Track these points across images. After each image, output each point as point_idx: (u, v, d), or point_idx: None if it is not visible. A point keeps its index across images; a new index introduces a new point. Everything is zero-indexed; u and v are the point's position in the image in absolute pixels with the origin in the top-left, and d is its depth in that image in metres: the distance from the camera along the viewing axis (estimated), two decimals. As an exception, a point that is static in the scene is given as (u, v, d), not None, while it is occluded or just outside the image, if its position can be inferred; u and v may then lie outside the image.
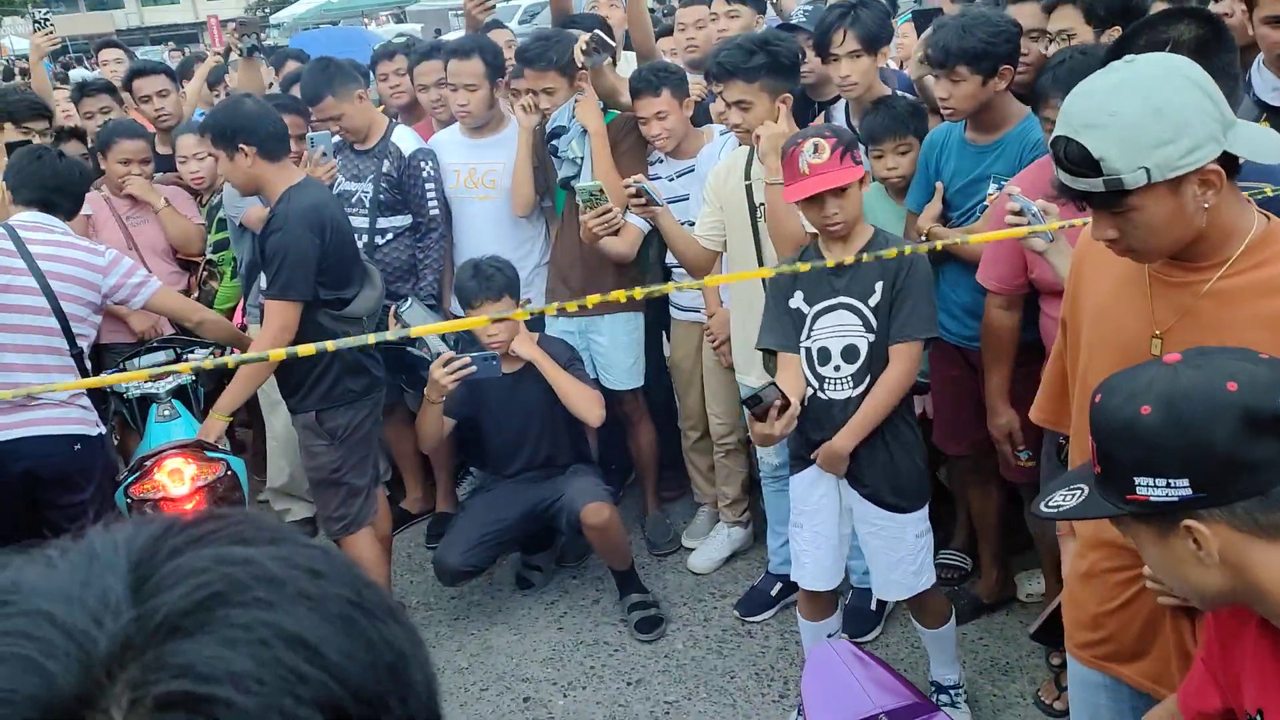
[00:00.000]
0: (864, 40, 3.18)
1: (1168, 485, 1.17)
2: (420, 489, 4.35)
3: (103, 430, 3.03)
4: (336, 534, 3.22)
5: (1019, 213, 2.39)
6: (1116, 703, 1.82)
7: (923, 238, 3.00)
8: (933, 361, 3.31)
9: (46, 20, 5.54)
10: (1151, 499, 1.18)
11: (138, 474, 2.67)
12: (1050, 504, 1.33)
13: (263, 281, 3.25)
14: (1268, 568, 1.15)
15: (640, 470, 4.18)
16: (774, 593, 3.59)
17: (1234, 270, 1.53)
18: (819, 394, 2.71)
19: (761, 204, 3.19)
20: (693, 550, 3.95)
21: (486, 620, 3.70)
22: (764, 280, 3.21)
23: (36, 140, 3.62)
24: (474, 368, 3.33)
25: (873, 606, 3.36)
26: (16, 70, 11.92)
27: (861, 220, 2.69)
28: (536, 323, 3.92)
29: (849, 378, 2.69)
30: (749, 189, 3.24)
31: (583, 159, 3.64)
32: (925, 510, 2.78)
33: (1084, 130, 1.47)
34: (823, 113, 3.69)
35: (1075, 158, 1.47)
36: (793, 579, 2.95)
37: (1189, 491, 1.16)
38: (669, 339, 4.06)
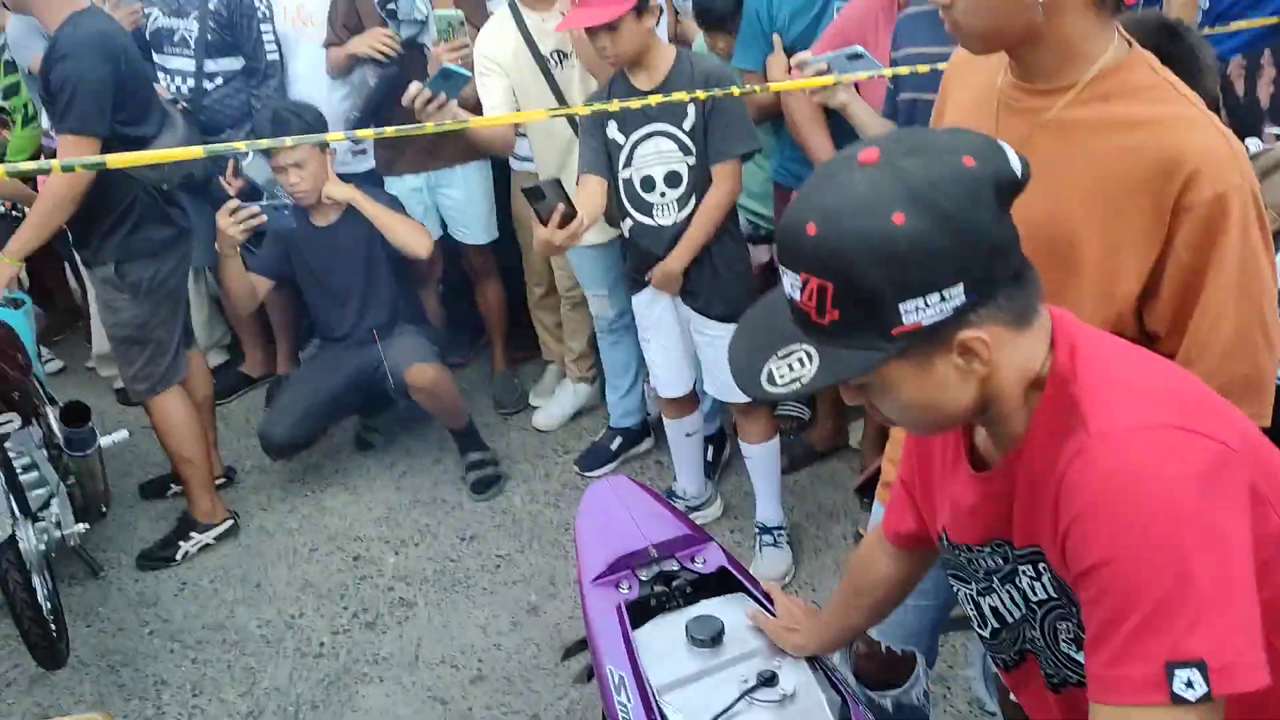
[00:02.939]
0: None
1: (941, 299, 0.95)
2: (261, 351, 4.17)
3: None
4: (142, 395, 3.05)
5: (824, 72, 2.33)
6: None
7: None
8: (779, 210, 3.26)
9: None
10: (924, 323, 0.95)
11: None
12: (780, 381, 1.01)
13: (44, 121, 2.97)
14: (1010, 364, 1.03)
15: (489, 328, 4.07)
16: (614, 447, 3.58)
17: (1078, 99, 1.35)
18: (649, 219, 2.76)
19: (555, 51, 3.08)
20: (539, 408, 3.90)
21: (322, 482, 3.61)
22: (574, 124, 3.08)
23: None
24: (264, 217, 3.12)
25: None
26: None
27: (657, 47, 2.65)
28: (376, 182, 3.71)
29: (674, 202, 2.74)
30: (530, 41, 3.06)
31: (426, 17, 3.38)
32: None
33: None
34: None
35: None
36: (652, 385, 3.16)
37: (963, 298, 0.96)
38: (511, 194, 3.89)
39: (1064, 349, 1.05)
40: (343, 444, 3.79)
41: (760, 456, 2.96)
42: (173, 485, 3.41)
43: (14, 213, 3.09)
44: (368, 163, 3.77)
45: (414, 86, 2.71)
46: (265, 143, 2.77)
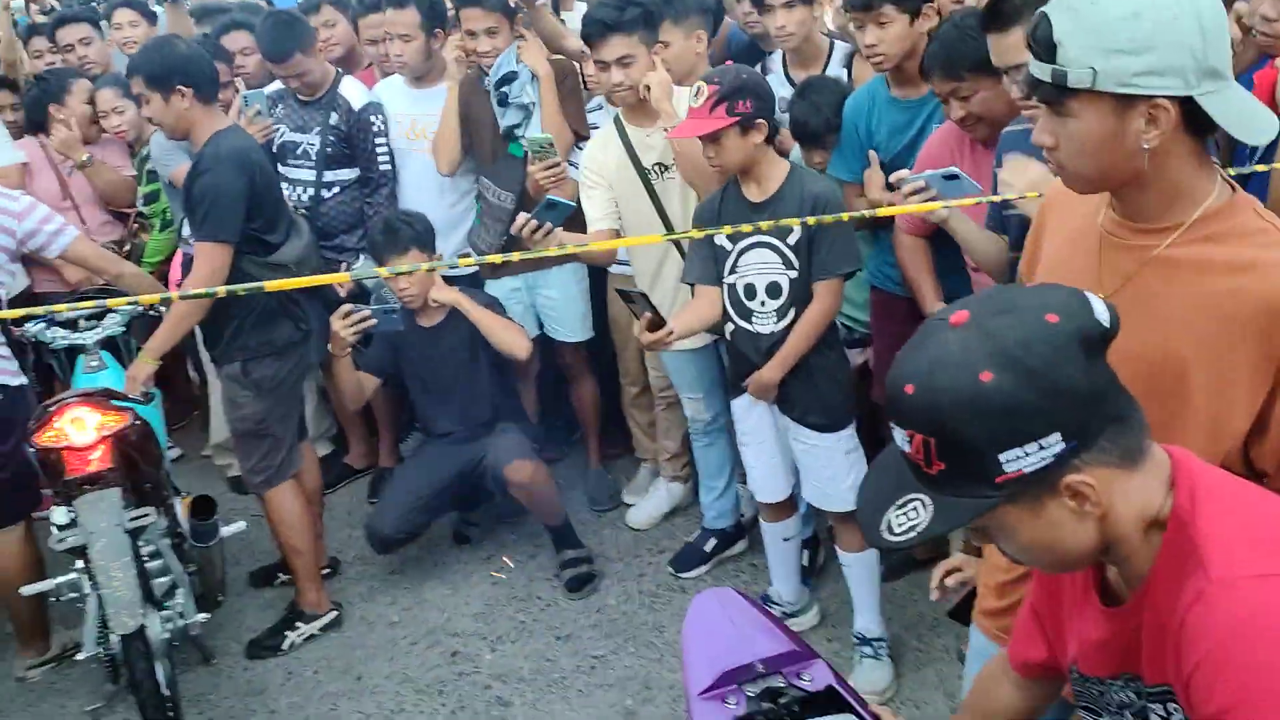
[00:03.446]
0: None
1: (1039, 448, 1.02)
2: (364, 444, 4.32)
3: (24, 381, 2.99)
4: (259, 487, 3.20)
5: (919, 190, 2.40)
6: None
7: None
8: (875, 312, 3.32)
9: None
10: (1025, 471, 1.02)
11: (40, 421, 2.63)
12: (898, 531, 1.09)
13: (186, 230, 3.19)
14: (1127, 501, 1.08)
15: (583, 425, 4.15)
16: (708, 549, 3.59)
17: (1184, 239, 1.37)
18: (749, 326, 2.84)
19: (656, 164, 3.19)
20: (632, 506, 3.94)
21: (421, 575, 3.69)
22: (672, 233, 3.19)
23: None
24: (374, 320, 3.28)
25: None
26: None
27: (768, 161, 2.76)
28: (476, 283, 3.87)
29: (774, 312, 2.81)
30: (632, 153, 3.20)
31: (534, 104, 3.57)
32: (852, 429, 2.92)
33: (1059, 9, 1.32)
34: (759, 63, 3.62)
35: (1040, 37, 1.33)
36: (749, 489, 3.21)
37: (1062, 445, 1.02)
38: (607, 295, 4.01)
39: (1184, 490, 1.09)
40: (440, 538, 3.88)
41: (859, 565, 2.95)
42: (280, 574, 3.53)
43: (150, 312, 3.30)
44: (472, 268, 3.94)
45: (521, 217, 2.85)
46: (401, 269, 2.94)
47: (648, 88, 3.00)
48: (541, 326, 3.91)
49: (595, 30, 3.02)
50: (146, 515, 2.55)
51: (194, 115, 2.95)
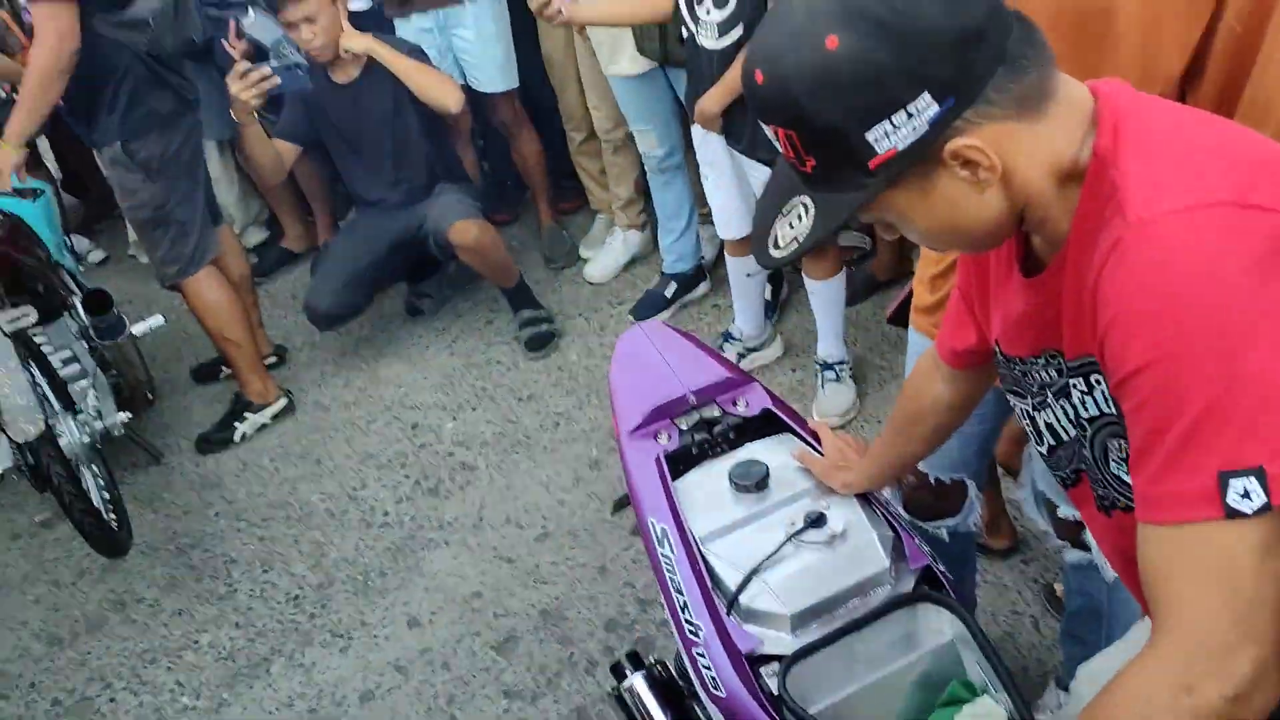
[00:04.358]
0: None
1: (908, 116, 0.82)
2: (299, 225, 4.06)
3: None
4: (173, 278, 2.96)
5: None
6: None
7: None
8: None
9: None
10: (900, 148, 0.84)
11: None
12: (782, 243, 0.94)
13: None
14: (1031, 156, 0.86)
15: (529, 182, 3.87)
16: (668, 293, 3.41)
17: None
18: (695, 38, 2.54)
19: None
20: (589, 260, 3.73)
21: (375, 354, 3.53)
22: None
23: None
24: (277, 79, 2.93)
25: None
26: None
27: None
28: (384, 26, 3.48)
29: (715, 25, 2.49)
30: None
31: None
32: None
33: None
34: None
35: None
36: (716, 227, 2.98)
37: (936, 108, 0.82)
38: (540, 31, 3.62)
39: (1107, 128, 0.86)
40: (393, 313, 3.70)
41: (825, 292, 2.76)
42: (224, 369, 3.37)
43: (13, 95, 2.95)
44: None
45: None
46: None
47: None
48: (464, 76, 3.56)
49: None
50: (25, 315, 2.33)
51: None
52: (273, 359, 3.44)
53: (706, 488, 1.52)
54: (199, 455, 3.15)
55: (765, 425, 1.60)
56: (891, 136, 0.83)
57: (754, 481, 1.45)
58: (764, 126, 0.91)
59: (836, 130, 0.85)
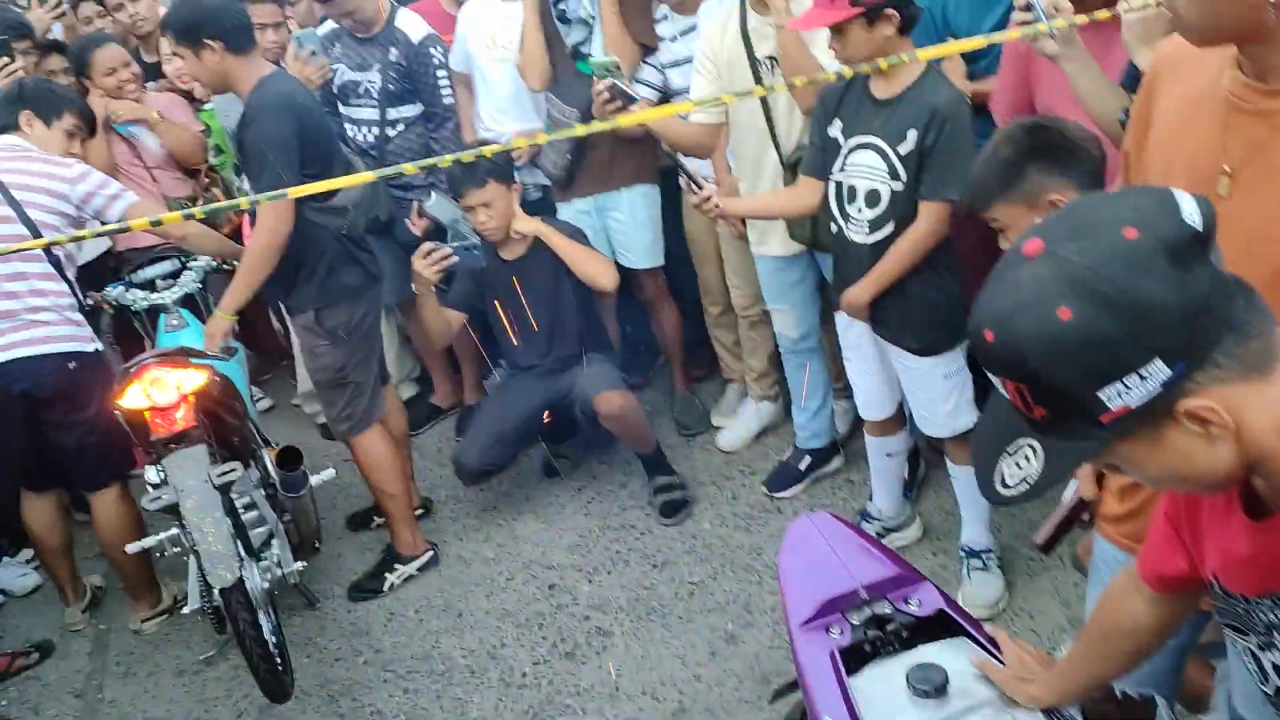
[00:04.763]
0: None
1: (1141, 378, 0.90)
2: (448, 383, 4.31)
3: (99, 346, 3.01)
4: (345, 433, 3.19)
5: (1026, 8, 2.11)
6: None
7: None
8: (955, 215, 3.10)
9: None
10: (1132, 405, 0.91)
11: (122, 383, 2.64)
12: (1010, 482, 1.02)
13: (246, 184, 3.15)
14: (1262, 413, 0.93)
15: (666, 352, 4.07)
16: (802, 467, 3.49)
17: None
18: (844, 231, 2.69)
19: (769, 56, 2.97)
20: (721, 429, 3.85)
21: (514, 510, 3.68)
22: (774, 136, 3.01)
23: (19, 60, 3.53)
24: (456, 257, 3.21)
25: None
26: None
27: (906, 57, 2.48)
28: (546, 207, 3.78)
29: (866, 223, 2.65)
30: (747, 41, 3.00)
31: (594, 19, 3.42)
32: (956, 354, 2.72)
33: None
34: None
35: None
36: (859, 409, 3.05)
37: (1167, 372, 0.90)
38: (684, 212, 3.87)
39: None
40: (530, 471, 3.86)
41: (968, 477, 2.80)
42: (376, 518, 3.56)
43: (224, 267, 3.29)
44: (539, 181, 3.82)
45: (600, 84, 2.85)
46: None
47: None
48: (614, 253, 3.81)
49: None
50: (233, 470, 2.55)
51: (228, 67, 2.85)
52: (420, 511, 3.61)
53: (882, 689, 1.55)
54: (350, 603, 3.31)
55: (939, 627, 1.65)
56: (1124, 395, 0.91)
57: (934, 687, 1.48)
58: (990, 375, 1.00)
59: (1068, 389, 0.93)
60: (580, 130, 3.06)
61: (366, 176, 2.09)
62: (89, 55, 3.85)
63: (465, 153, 2.70)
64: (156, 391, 2.57)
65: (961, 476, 2.85)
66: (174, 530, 2.79)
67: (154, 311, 3.32)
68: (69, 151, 3.07)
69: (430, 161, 2.19)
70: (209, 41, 2.81)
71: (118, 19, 4.26)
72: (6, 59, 3.47)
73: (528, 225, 3.37)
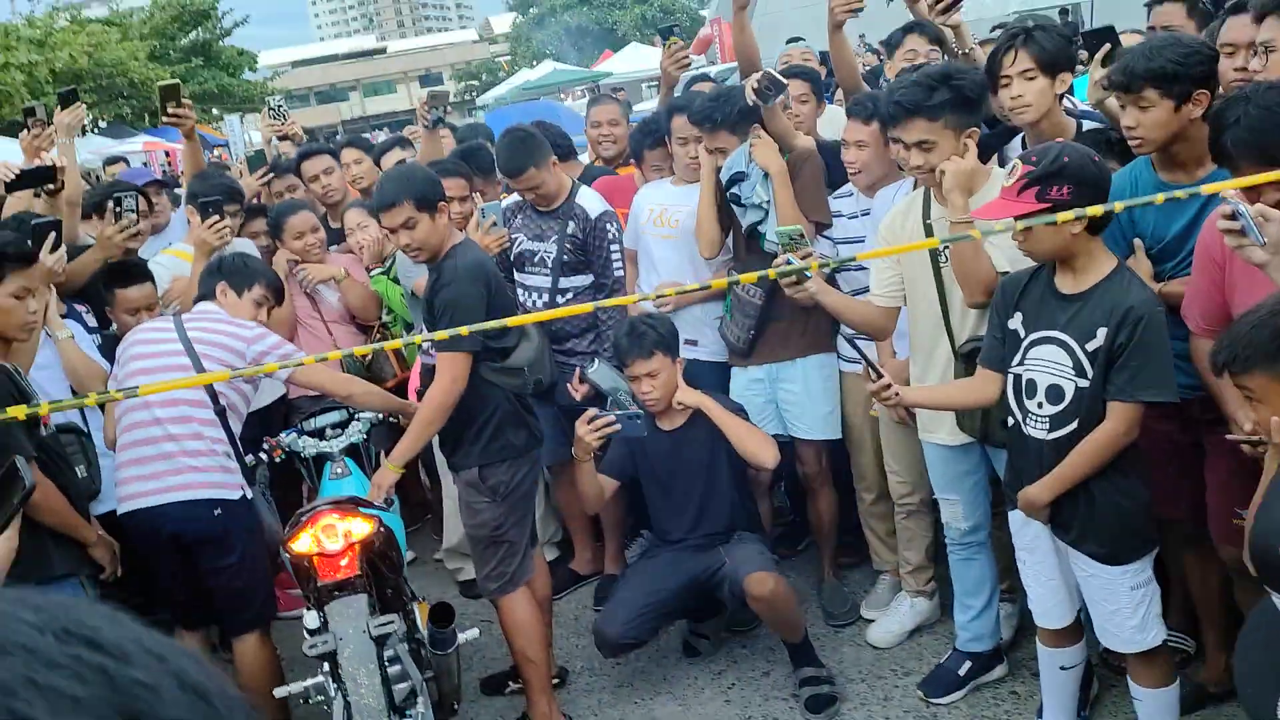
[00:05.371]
0: (1039, 60, 2.91)
1: None
2: (590, 550, 4.27)
3: (248, 493, 3.09)
4: (494, 593, 3.17)
5: (1232, 216, 2.06)
6: None
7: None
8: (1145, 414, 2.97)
9: (280, 108, 5.85)
10: None
11: (295, 528, 2.70)
12: None
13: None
14: None
15: (818, 536, 3.95)
16: (962, 672, 3.27)
17: None
18: (1021, 426, 2.60)
19: (946, 247, 2.98)
20: (872, 622, 3.67)
21: (651, 689, 3.54)
22: (949, 326, 2.98)
23: (228, 220, 3.84)
24: (618, 425, 3.23)
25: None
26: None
27: (1093, 252, 2.47)
28: (721, 380, 3.79)
29: (1047, 419, 2.55)
30: (929, 230, 3.02)
31: (768, 203, 3.53)
32: (1144, 563, 2.55)
33: None
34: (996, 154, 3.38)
35: None
36: (1034, 615, 2.85)
37: None
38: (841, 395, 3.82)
39: None
40: (669, 649, 3.73)
41: (1154, 703, 2.58)
42: (511, 682, 3.48)
43: (390, 420, 3.40)
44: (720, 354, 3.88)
45: (781, 257, 2.96)
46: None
47: (942, 173, 2.79)
48: (785, 425, 3.77)
49: (894, 112, 2.85)
50: (391, 622, 2.55)
51: (442, 232, 3.05)
52: (556, 680, 3.52)
53: None
54: (481, 772, 3.20)
55: None
56: None
57: None
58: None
59: None
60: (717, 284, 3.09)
61: (540, 316, 2.12)
62: (284, 220, 4.19)
63: (619, 299, 2.85)
64: (326, 538, 2.62)
65: (1146, 700, 2.61)
66: (320, 679, 2.78)
67: (320, 459, 3.43)
68: (256, 318, 3.28)
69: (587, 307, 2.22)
70: (442, 205, 3.00)
71: (311, 190, 4.66)
72: (218, 217, 3.78)
73: (691, 397, 3.38)
